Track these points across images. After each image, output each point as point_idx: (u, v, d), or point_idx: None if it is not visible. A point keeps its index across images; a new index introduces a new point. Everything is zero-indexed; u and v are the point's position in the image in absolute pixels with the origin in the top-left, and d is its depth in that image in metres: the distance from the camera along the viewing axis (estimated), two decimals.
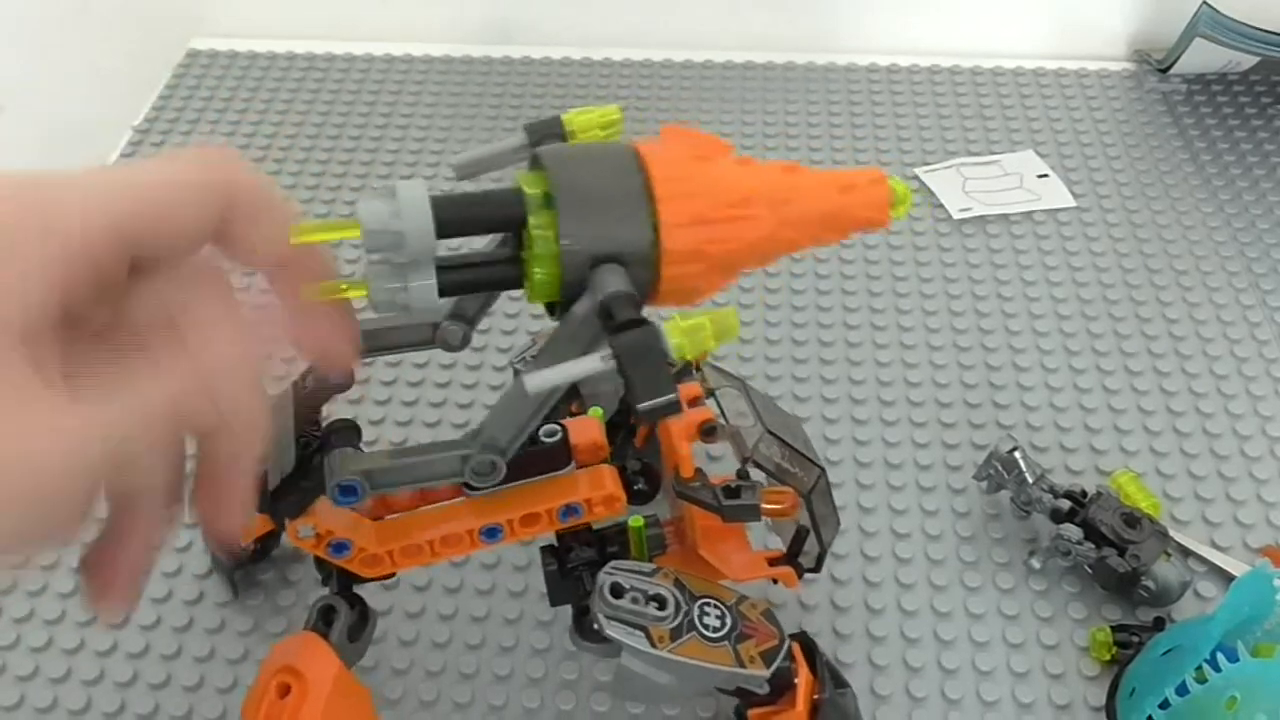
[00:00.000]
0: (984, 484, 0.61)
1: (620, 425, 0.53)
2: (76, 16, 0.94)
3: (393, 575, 0.46)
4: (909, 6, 0.97)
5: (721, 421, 0.48)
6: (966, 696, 0.54)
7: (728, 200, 0.39)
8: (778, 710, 0.47)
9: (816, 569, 0.51)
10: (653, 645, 0.43)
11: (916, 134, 0.89)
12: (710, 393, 0.50)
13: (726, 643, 0.45)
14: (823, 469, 0.50)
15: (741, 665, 0.44)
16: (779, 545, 0.51)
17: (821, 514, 0.50)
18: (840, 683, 0.49)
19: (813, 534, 0.50)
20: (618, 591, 0.44)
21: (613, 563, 0.45)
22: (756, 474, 0.48)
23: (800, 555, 0.50)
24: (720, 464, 0.59)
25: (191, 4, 0.99)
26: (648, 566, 0.46)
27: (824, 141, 0.88)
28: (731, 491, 0.46)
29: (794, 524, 0.49)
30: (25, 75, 0.90)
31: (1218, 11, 0.87)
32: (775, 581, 0.51)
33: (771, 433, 0.49)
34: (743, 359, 0.70)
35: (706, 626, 0.45)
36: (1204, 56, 0.90)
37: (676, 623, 0.44)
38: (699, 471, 0.46)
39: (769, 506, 0.48)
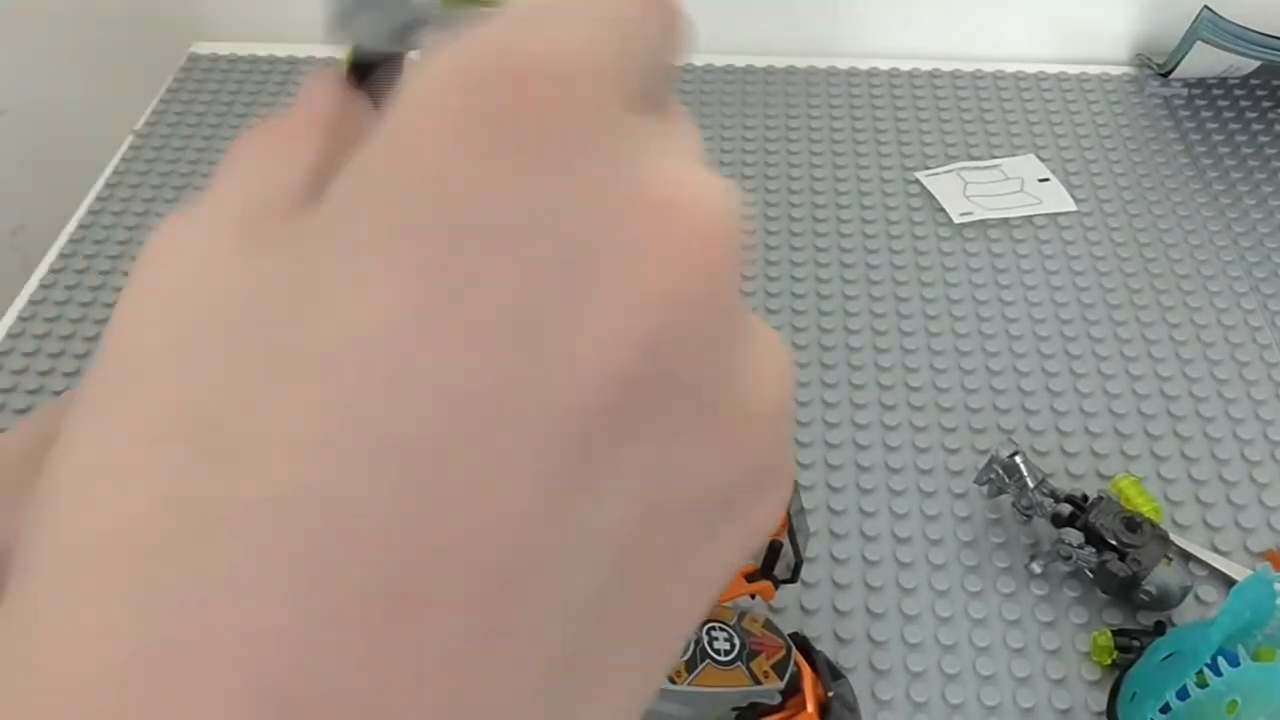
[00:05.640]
0: (985, 488, 0.61)
1: None
2: (77, 20, 0.94)
3: None
4: (910, 11, 0.97)
5: None
6: (968, 701, 0.54)
7: None
8: (789, 716, 0.47)
9: (793, 580, 0.51)
10: (673, 682, 0.43)
11: (917, 138, 0.89)
12: None
13: (739, 663, 0.45)
14: (795, 481, 0.50)
15: (757, 682, 0.44)
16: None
17: (800, 528, 0.50)
18: (836, 674, 0.49)
19: (788, 546, 0.49)
20: None
21: None
22: None
23: (774, 568, 0.50)
24: None
25: (193, 8, 0.99)
26: None
27: (825, 146, 0.88)
28: None
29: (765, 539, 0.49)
30: (26, 79, 0.91)
31: (1219, 16, 0.87)
32: (753, 597, 0.51)
33: None
34: None
35: (718, 651, 0.45)
36: (1205, 60, 0.90)
37: (690, 654, 0.44)
38: None
39: None
